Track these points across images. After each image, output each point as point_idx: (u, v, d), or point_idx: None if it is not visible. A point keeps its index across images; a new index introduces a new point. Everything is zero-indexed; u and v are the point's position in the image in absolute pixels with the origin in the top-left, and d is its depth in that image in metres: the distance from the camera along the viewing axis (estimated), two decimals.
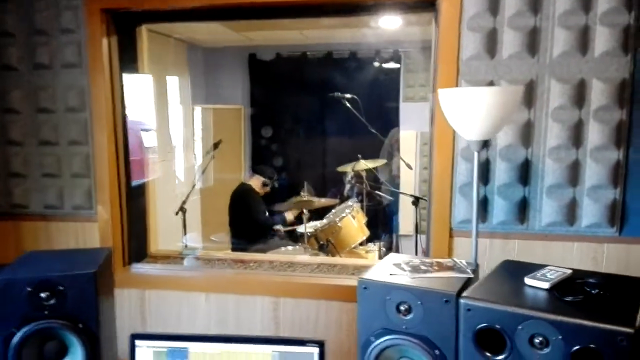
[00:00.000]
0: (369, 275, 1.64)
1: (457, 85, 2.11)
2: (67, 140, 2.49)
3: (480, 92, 1.74)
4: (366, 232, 4.16)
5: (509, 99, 1.72)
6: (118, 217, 2.55)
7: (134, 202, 2.68)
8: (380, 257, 3.95)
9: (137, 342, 1.74)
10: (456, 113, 1.77)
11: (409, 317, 1.54)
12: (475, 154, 1.83)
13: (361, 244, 4.17)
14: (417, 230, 3.47)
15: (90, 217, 2.53)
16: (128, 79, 2.58)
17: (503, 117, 1.72)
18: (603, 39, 1.99)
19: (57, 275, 1.72)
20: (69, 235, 2.57)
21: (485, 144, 1.85)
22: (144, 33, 2.68)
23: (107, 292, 1.90)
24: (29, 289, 1.70)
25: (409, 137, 5.27)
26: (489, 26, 2.07)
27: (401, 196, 4.72)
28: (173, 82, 4.91)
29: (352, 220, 4.04)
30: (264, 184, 4.60)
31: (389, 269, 1.68)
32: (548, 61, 2.05)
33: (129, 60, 2.60)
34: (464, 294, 1.45)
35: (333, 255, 3.84)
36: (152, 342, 1.74)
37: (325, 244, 3.86)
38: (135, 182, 2.69)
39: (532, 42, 2.05)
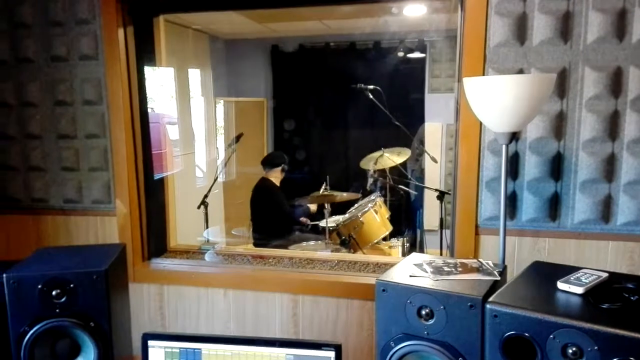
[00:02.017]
0: (387, 276, 1.55)
1: (483, 74, 2.01)
2: (85, 134, 2.47)
3: (508, 81, 1.64)
4: (389, 227, 4.07)
5: (539, 88, 1.62)
6: (137, 211, 2.52)
7: (154, 196, 2.65)
8: (404, 253, 3.86)
9: (150, 342, 1.71)
10: (482, 103, 1.67)
11: (431, 322, 1.46)
12: (504, 147, 1.73)
13: (384, 239, 4.08)
14: (442, 226, 3.36)
15: (109, 212, 2.51)
16: (147, 70, 2.54)
17: (533, 107, 1.62)
18: None
19: (67, 272, 1.69)
20: (89, 230, 2.55)
21: (514, 137, 1.74)
22: (162, 24, 2.64)
23: (120, 290, 1.87)
24: (40, 286, 1.67)
25: (434, 129, 5.17)
26: (518, 10, 1.97)
27: (426, 190, 4.62)
28: (194, 74, 4.89)
29: (374, 215, 3.96)
30: (283, 170, 4.57)
31: (409, 269, 1.60)
32: (582, 47, 1.94)
33: (146, 51, 2.56)
34: (491, 298, 1.36)
35: (355, 251, 3.76)
36: (164, 342, 1.70)
37: (347, 239, 3.78)
38: (157, 176, 2.66)
39: (565, 27, 1.94)
